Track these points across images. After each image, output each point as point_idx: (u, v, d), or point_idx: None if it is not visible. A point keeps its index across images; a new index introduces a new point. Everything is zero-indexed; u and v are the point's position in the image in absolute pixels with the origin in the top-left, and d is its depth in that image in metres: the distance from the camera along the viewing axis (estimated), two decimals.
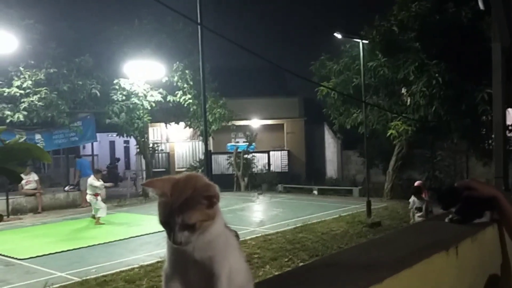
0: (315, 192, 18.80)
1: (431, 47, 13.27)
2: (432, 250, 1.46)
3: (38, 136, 15.98)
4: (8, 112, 14.10)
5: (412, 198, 9.15)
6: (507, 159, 3.37)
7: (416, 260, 1.35)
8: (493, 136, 14.45)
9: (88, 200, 12.68)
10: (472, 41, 12.58)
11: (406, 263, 1.32)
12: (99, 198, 12.39)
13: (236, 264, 0.97)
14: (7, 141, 1.45)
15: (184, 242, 0.89)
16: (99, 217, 12.32)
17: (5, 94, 14.37)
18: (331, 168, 23.41)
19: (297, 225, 11.31)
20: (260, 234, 10.33)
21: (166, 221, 0.90)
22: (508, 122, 10.63)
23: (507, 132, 9.96)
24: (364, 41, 13.42)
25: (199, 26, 6.18)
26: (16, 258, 8.78)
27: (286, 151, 24.14)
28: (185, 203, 0.89)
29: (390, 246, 1.55)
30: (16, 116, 14.11)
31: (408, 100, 14.05)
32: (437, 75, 12.80)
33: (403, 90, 14.21)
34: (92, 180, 12.44)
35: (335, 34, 12.94)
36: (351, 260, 1.40)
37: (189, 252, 0.91)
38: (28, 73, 14.81)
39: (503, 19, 3.03)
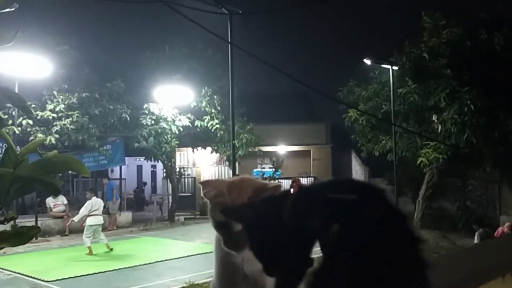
0: None
1: (462, 74, 13.09)
2: (488, 276, 1.36)
3: None
4: (40, 135, 14.39)
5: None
6: None
7: (473, 286, 1.26)
8: None
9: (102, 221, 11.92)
10: (505, 68, 12.37)
11: None
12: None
13: None
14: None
15: (241, 245, 0.82)
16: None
17: (39, 117, 14.71)
18: None
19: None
20: None
21: (224, 223, 0.83)
22: None
23: None
24: (393, 67, 13.33)
25: (229, 45, 6.23)
26: (42, 280, 8.81)
27: (313, 178, 23.91)
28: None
29: (440, 270, 1.45)
30: (49, 139, 14.38)
31: (439, 128, 13.80)
32: (469, 102, 12.58)
33: (434, 117, 13.99)
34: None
35: (364, 60, 12.91)
36: None
37: (238, 264, 0.85)
38: (61, 97, 15.16)
39: None
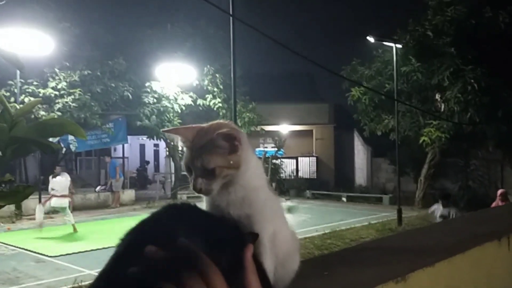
0: (344, 199, 18.55)
1: (467, 52, 12.96)
2: (485, 239, 1.36)
3: (71, 137, 16.25)
4: (42, 113, 14.39)
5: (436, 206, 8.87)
6: None
7: (468, 247, 1.26)
8: None
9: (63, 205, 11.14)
10: (510, 46, 12.24)
11: (458, 249, 1.23)
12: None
13: (283, 229, 0.90)
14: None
15: (204, 189, 0.83)
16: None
17: (41, 94, 14.69)
18: (360, 176, 23.08)
19: (326, 231, 11.15)
20: None
21: (188, 166, 0.85)
22: None
23: None
24: (397, 45, 13.20)
25: (230, 18, 6.16)
26: (47, 256, 8.91)
27: (315, 158, 23.94)
28: (205, 146, 0.83)
29: (438, 233, 1.46)
30: (50, 116, 14.38)
31: (442, 107, 13.73)
32: (472, 81, 12.49)
33: (437, 96, 13.91)
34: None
35: (368, 38, 12.77)
36: (398, 245, 1.32)
37: (223, 208, 0.85)
38: (63, 74, 15.12)
39: None
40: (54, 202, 10.93)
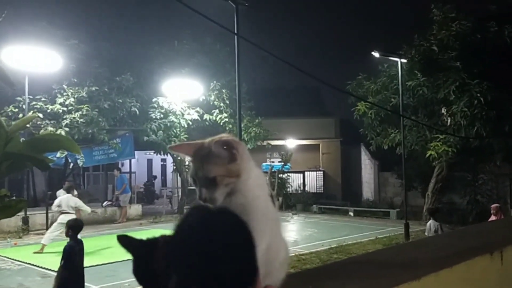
0: (351, 213, 18.45)
1: (472, 67, 12.96)
2: (475, 253, 1.36)
3: None
4: (50, 128, 14.49)
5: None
6: None
7: (457, 261, 1.26)
8: None
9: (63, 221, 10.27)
10: None
11: (446, 263, 1.23)
12: None
13: (279, 239, 0.93)
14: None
15: (209, 198, 0.87)
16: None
17: (49, 110, 14.83)
18: (368, 190, 22.97)
19: (332, 246, 11.09)
20: (293, 254, 10.15)
21: (193, 178, 0.91)
22: None
23: None
24: (402, 60, 13.23)
25: (235, 37, 6.23)
26: (52, 270, 8.88)
27: (322, 172, 23.88)
28: (205, 157, 0.88)
29: (429, 247, 1.46)
30: (59, 132, 14.44)
31: (448, 121, 13.69)
32: (478, 95, 12.47)
33: (443, 110, 13.87)
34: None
35: (373, 53, 12.81)
36: (387, 259, 1.32)
37: None
38: (71, 90, 15.27)
39: None
40: (62, 219, 10.61)
